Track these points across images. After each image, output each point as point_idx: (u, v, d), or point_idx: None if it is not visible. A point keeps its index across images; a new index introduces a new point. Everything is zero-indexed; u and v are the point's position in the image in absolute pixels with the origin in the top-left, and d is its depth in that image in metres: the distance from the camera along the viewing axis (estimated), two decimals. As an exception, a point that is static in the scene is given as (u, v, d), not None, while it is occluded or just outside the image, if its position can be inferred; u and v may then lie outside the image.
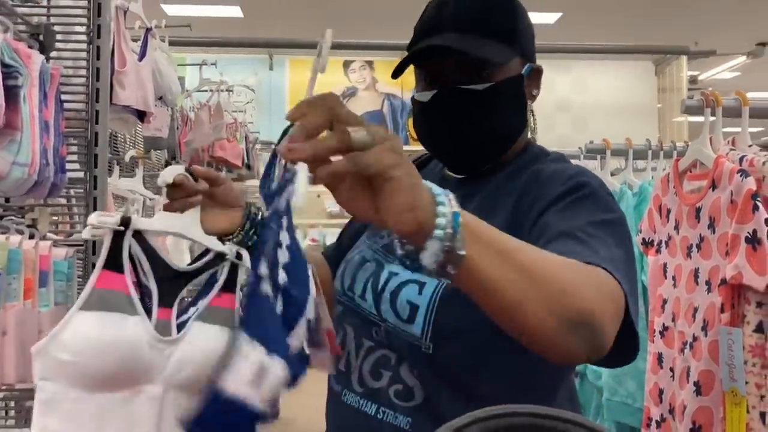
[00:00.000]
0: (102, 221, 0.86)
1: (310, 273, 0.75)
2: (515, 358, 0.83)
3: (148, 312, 0.86)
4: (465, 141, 1.00)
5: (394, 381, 0.94)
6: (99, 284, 0.84)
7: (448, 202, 0.63)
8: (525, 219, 0.91)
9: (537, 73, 1.04)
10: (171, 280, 0.91)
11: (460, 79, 0.97)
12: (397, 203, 0.60)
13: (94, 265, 1.38)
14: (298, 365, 0.74)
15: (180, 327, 0.88)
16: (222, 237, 1.06)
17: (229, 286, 0.93)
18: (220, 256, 0.95)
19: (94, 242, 1.39)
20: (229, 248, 0.96)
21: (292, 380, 0.71)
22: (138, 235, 0.89)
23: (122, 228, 0.87)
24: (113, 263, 0.86)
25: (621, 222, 0.89)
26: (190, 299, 0.93)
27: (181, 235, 0.95)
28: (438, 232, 0.61)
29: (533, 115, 1.05)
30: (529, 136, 1.06)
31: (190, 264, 0.94)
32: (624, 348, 0.78)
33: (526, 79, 1.02)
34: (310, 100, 0.61)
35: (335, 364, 1.00)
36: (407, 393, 0.93)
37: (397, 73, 0.98)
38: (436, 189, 0.64)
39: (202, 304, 0.90)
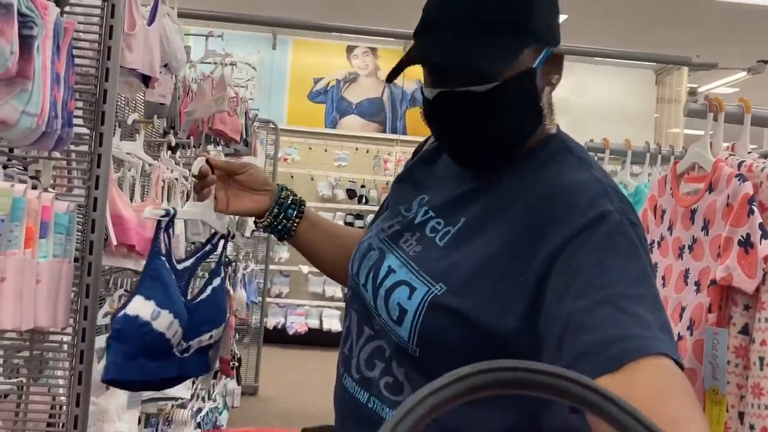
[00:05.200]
0: None
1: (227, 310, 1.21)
2: None
3: None
4: (469, 143, 0.95)
5: (386, 373, 0.94)
6: None
7: None
8: (538, 243, 0.85)
9: (557, 58, 0.96)
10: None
11: (460, 81, 0.90)
12: None
13: (94, 222, 1.39)
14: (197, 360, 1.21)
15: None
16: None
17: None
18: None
19: (95, 198, 1.39)
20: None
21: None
22: None
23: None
24: None
25: (643, 248, 0.84)
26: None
27: (202, 221, 1.25)
28: None
29: (551, 102, 0.99)
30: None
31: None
32: None
33: (544, 66, 0.94)
34: None
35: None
36: (396, 387, 0.93)
37: (391, 78, 0.91)
38: None
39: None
